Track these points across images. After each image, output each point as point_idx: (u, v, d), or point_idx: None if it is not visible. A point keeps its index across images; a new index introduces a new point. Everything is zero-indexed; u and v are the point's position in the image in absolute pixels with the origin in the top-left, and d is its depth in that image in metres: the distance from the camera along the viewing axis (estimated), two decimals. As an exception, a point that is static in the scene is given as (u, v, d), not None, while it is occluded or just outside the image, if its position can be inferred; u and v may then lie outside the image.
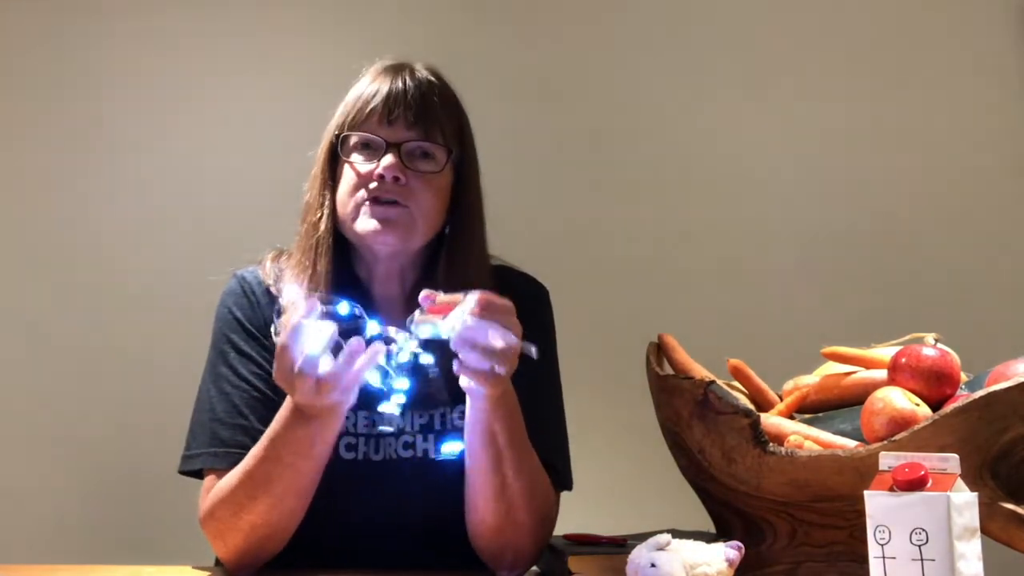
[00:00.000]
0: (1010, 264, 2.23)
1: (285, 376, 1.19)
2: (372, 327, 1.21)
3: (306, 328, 1.17)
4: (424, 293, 1.20)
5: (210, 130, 2.20)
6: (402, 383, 1.22)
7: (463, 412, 1.38)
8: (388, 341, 1.21)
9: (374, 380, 1.21)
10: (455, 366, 1.18)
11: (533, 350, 1.20)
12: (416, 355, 1.21)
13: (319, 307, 1.17)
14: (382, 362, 1.20)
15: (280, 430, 1.25)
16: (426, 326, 1.18)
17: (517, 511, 1.30)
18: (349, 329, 1.21)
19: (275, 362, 1.20)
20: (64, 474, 2.10)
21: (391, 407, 1.23)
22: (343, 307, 1.22)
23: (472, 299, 1.16)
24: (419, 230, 1.38)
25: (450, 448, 1.29)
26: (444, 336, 1.17)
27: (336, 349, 1.19)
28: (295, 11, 2.23)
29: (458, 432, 1.32)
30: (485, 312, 1.16)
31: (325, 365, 1.18)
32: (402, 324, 1.22)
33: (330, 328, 1.18)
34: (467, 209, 1.44)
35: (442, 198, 1.40)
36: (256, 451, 1.28)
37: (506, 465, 1.27)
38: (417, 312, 1.20)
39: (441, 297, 1.19)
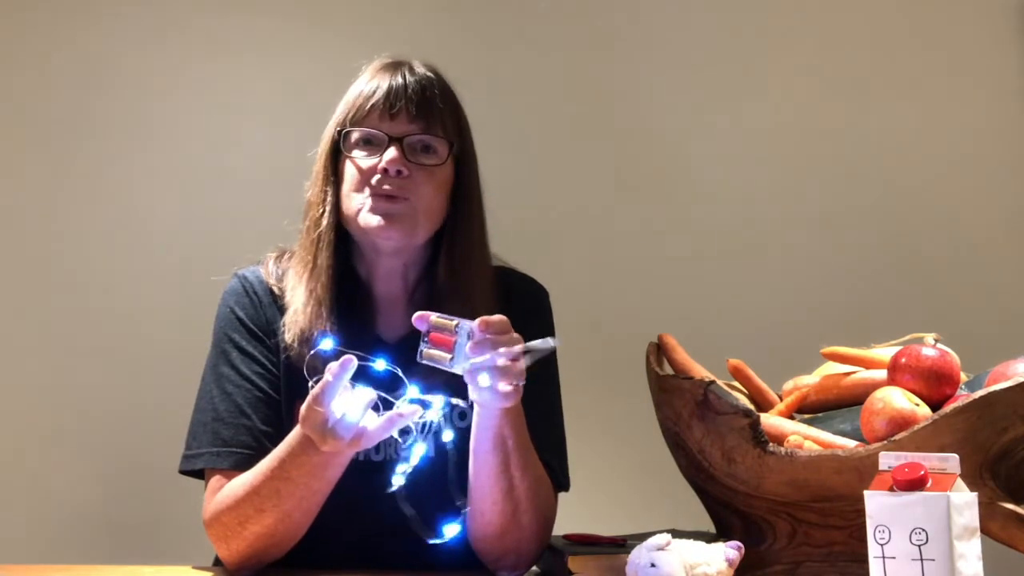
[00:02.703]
0: (1010, 264, 2.23)
1: (315, 431, 1.19)
2: (412, 392, 1.21)
3: (342, 388, 1.17)
4: (417, 315, 1.20)
5: (214, 130, 2.20)
6: (420, 450, 1.22)
7: (462, 412, 1.38)
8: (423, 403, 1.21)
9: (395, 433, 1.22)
10: (470, 391, 1.19)
11: (551, 341, 1.19)
12: (440, 426, 1.22)
13: (355, 363, 1.17)
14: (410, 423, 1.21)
15: (294, 452, 1.25)
16: (432, 361, 1.18)
17: (522, 512, 1.30)
18: (376, 377, 1.22)
19: (305, 413, 1.19)
20: (65, 474, 2.10)
21: (399, 479, 1.22)
22: (380, 364, 1.22)
23: (467, 328, 1.16)
24: (421, 224, 1.38)
25: (451, 531, 1.26)
26: (456, 372, 1.18)
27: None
28: (298, 13, 2.23)
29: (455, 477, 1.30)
30: (485, 339, 1.15)
31: (360, 424, 1.18)
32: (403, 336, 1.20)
33: (370, 395, 1.18)
34: (467, 202, 1.44)
35: (444, 191, 1.41)
36: (265, 467, 1.28)
37: (513, 466, 1.27)
38: (422, 345, 1.19)
39: (434, 318, 1.19)
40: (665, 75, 2.27)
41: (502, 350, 1.15)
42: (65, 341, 2.13)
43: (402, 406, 1.19)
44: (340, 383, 1.17)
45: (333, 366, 1.17)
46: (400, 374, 1.22)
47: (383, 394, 1.20)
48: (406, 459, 1.22)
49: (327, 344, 1.26)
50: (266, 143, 2.17)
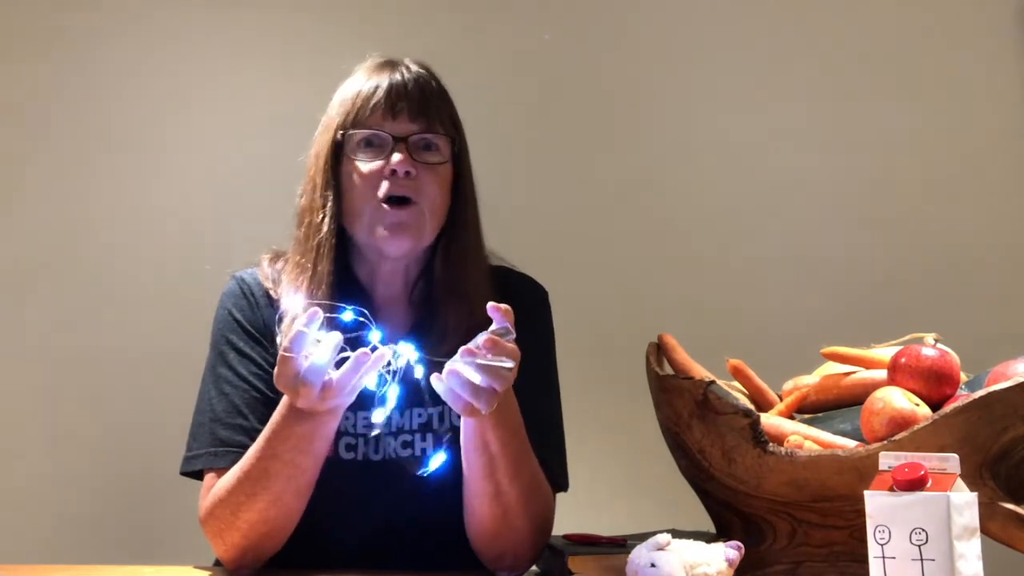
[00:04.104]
0: (1010, 264, 2.23)
1: (288, 383, 1.19)
2: (374, 336, 1.20)
3: (310, 337, 1.16)
4: (493, 306, 1.17)
5: (212, 132, 2.20)
6: (394, 392, 1.21)
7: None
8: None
9: (372, 384, 1.21)
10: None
11: (508, 363, 1.17)
12: (411, 365, 1.20)
13: (322, 314, 1.17)
14: (382, 369, 1.19)
15: (278, 427, 1.25)
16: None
17: (513, 516, 1.30)
18: (351, 334, 1.21)
19: (277, 367, 1.19)
20: (64, 475, 2.10)
21: (379, 416, 1.22)
22: (347, 315, 1.22)
23: (479, 338, 1.15)
24: (429, 227, 1.38)
25: (436, 462, 1.25)
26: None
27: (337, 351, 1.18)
28: (296, 15, 2.23)
29: (446, 445, 1.30)
30: (474, 351, 1.14)
31: (329, 373, 1.18)
32: (402, 335, 1.20)
33: (335, 338, 1.17)
34: (464, 199, 1.44)
35: (447, 190, 1.41)
36: (254, 449, 1.28)
37: (500, 472, 1.27)
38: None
39: (501, 313, 1.17)
40: (666, 75, 2.27)
41: (481, 365, 1.14)
42: (65, 342, 2.13)
43: (366, 350, 1.17)
44: (308, 334, 1.16)
45: (301, 319, 1.17)
46: (368, 319, 1.21)
47: (350, 352, 1.19)
48: (382, 403, 1.21)
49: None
50: (266, 145, 2.17)
